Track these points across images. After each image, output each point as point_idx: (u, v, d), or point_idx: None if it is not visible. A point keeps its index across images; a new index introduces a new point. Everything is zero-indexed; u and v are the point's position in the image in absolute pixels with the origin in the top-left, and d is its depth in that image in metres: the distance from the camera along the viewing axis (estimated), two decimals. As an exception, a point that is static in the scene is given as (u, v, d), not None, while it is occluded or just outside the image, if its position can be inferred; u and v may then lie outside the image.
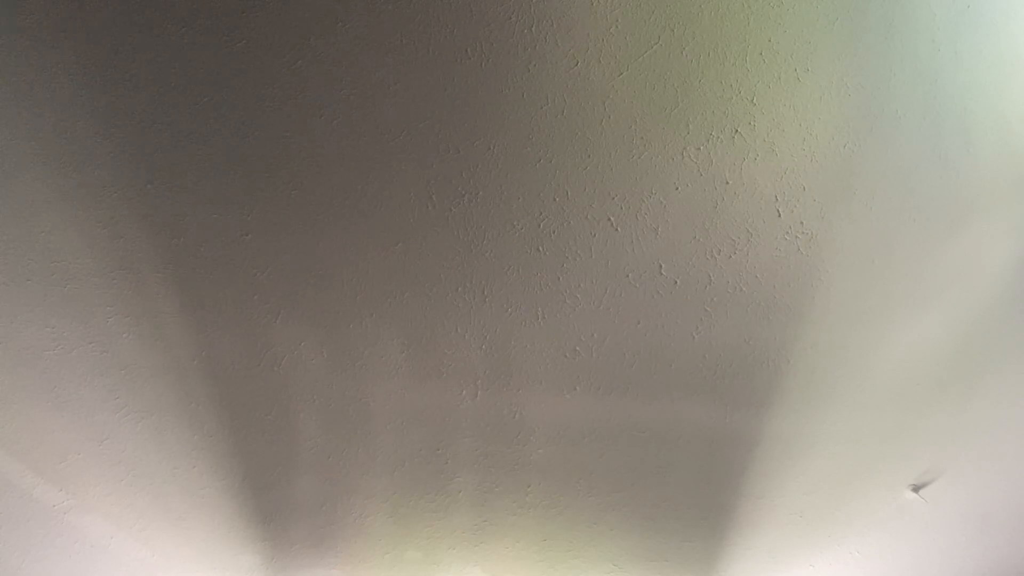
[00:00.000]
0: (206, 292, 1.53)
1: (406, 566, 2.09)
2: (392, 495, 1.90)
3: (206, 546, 1.94)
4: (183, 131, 1.33)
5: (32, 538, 1.83)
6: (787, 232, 1.54)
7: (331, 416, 1.74)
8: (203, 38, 1.23)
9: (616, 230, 1.52)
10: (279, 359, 1.64)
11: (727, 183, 1.47)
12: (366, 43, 1.26)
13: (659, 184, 1.46)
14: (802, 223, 1.53)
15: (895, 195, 1.51)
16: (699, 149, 1.42)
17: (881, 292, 1.65)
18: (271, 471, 1.82)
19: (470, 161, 1.41)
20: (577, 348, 1.68)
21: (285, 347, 1.62)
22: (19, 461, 1.70)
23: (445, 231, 1.49)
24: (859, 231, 1.55)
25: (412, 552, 2.06)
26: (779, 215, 1.52)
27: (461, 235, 1.50)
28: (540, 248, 1.53)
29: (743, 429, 1.86)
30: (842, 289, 1.63)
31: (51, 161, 1.34)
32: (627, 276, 1.58)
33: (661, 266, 1.58)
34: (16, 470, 1.71)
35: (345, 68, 1.29)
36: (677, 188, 1.47)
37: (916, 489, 2.03)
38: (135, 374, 1.62)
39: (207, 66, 1.26)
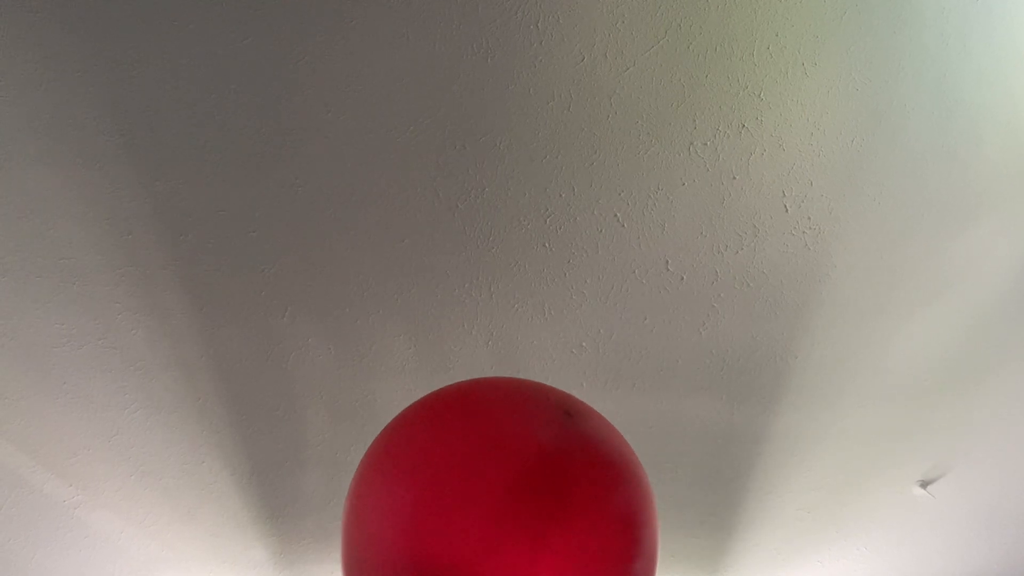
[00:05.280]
0: (214, 288, 1.54)
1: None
2: (399, 491, 1.90)
3: (214, 541, 1.95)
4: (190, 128, 1.34)
5: (42, 533, 1.84)
6: (794, 227, 1.54)
7: (338, 411, 1.74)
8: (209, 35, 1.24)
9: (622, 226, 1.52)
10: (287, 355, 1.64)
11: (734, 178, 1.47)
12: (372, 39, 1.27)
13: (665, 180, 1.46)
14: (809, 218, 1.53)
15: (903, 190, 1.50)
16: (706, 144, 1.42)
17: (889, 287, 1.64)
18: (279, 466, 1.82)
19: (476, 157, 1.41)
20: (583, 344, 1.68)
21: (292, 343, 1.63)
22: (29, 457, 1.71)
23: (451, 227, 1.49)
24: (867, 226, 1.54)
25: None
26: (786, 210, 1.51)
27: (467, 231, 1.50)
28: (546, 244, 1.53)
29: (750, 425, 1.85)
30: (849, 285, 1.63)
31: (59, 158, 1.34)
32: (633, 272, 1.58)
33: (667, 262, 1.57)
34: (26, 466, 1.72)
35: (351, 64, 1.29)
36: (683, 184, 1.47)
37: (924, 485, 2.03)
38: (144, 370, 1.63)
39: (213, 63, 1.27)
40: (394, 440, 0.87)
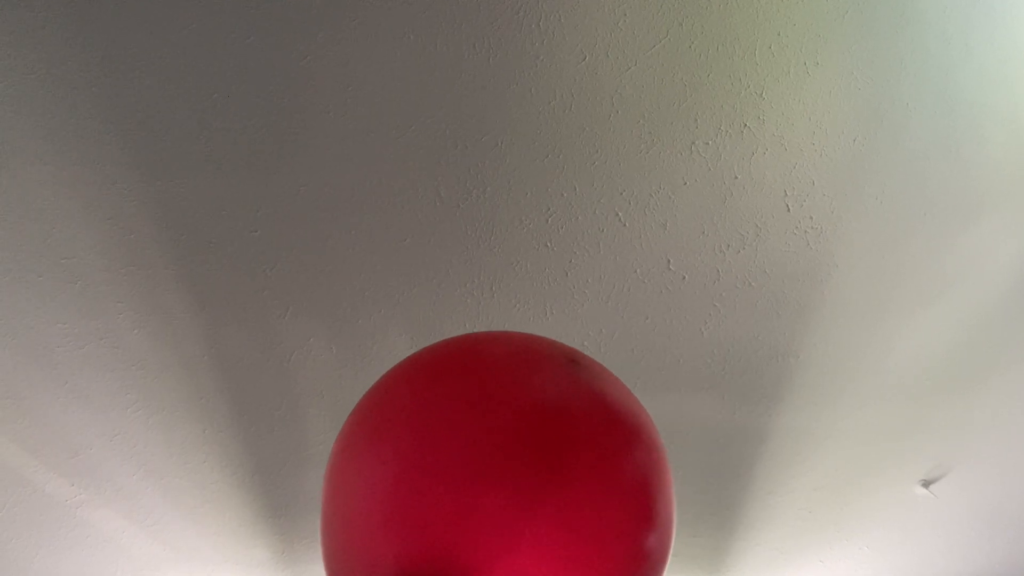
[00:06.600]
0: (215, 288, 1.54)
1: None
2: (401, 490, 1.90)
3: (216, 540, 1.95)
4: (191, 128, 1.34)
5: (44, 532, 1.85)
6: (796, 227, 1.54)
7: (340, 411, 1.74)
8: (211, 35, 1.24)
9: (624, 225, 1.52)
10: (288, 355, 1.65)
11: (736, 178, 1.46)
12: (374, 39, 1.26)
13: (667, 179, 1.46)
14: (811, 217, 1.53)
15: (905, 189, 1.50)
16: (708, 144, 1.42)
17: (891, 286, 1.64)
18: (281, 465, 1.82)
19: (477, 157, 1.41)
20: (585, 343, 1.68)
21: (294, 343, 1.63)
22: (31, 456, 1.72)
23: (453, 227, 1.49)
24: (869, 225, 1.54)
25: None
26: (788, 210, 1.51)
27: (469, 231, 1.50)
28: (548, 243, 1.53)
29: (751, 425, 1.85)
30: (852, 284, 1.63)
31: (61, 158, 1.34)
32: (635, 271, 1.58)
33: (669, 261, 1.57)
34: (28, 465, 1.73)
35: (353, 64, 1.29)
36: (685, 183, 1.47)
37: (926, 485, 2.02)
38: (146, 370, 1.63)
39: (215, 63, 1.27)
40: (372, 407, 0.74)
